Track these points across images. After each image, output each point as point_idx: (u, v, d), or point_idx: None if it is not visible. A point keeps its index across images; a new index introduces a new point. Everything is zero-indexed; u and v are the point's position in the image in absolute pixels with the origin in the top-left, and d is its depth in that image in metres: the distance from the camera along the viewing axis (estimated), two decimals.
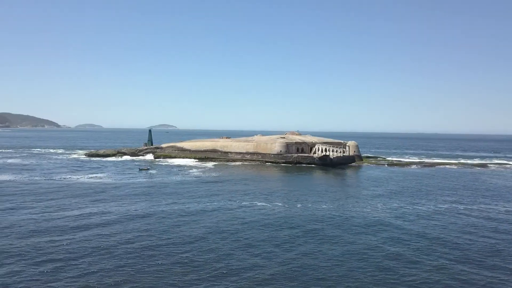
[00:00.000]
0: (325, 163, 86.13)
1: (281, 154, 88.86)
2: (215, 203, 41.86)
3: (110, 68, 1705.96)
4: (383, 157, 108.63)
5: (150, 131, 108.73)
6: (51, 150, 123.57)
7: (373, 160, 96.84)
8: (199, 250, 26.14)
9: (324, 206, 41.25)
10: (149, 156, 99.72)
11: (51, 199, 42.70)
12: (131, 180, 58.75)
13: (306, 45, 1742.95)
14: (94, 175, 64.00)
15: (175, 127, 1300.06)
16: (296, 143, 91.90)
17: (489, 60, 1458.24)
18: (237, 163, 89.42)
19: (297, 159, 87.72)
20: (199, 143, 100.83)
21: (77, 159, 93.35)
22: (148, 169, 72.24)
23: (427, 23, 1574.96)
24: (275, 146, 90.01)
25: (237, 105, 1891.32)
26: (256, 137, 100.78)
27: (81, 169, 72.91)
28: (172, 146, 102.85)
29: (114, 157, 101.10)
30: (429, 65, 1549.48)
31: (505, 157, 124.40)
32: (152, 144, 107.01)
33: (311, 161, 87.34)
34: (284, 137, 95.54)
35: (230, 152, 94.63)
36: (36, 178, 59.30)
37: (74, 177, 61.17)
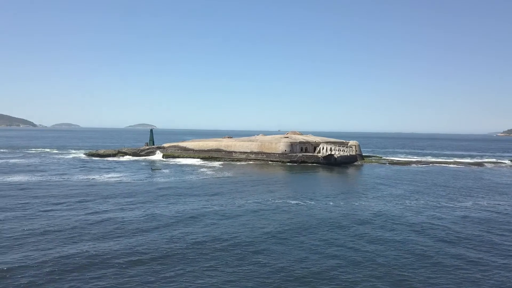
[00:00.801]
0: (330, 162, 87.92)
1: (286, 154, 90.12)
2: (251, 203, 42.62)
3: (87, 67, 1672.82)
4: (379, 156, 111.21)
5: (151, 130, 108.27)
6: (47, 150, 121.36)
7: (373, 159, 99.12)
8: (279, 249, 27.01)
9: (356, 204, 42.67)
10: (155, 157, 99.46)
11: (94, 200, 42.71)
12: (152, 180, 58.86)
13: (298, 45, 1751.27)
14: (111, 175, 63.71)
15: (155, 126, 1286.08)
16: (300, 142, 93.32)
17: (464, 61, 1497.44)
18: (242, 162, 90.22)
19: (302, 158, 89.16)
20: (203, 142, 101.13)
21: (79, 159, 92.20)
22: (160, 169, 72.26)
23: (420, 23, 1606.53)
24: (279, 145, 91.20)
25: (222, 105, 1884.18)
26: (258, 137, 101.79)
27: (92, 169, 72.28)
28: (174, 146, 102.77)
29: (115, 157, 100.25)
30: (406, 65, 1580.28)
31: (494, 156, 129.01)
32: (153, 144, 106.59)
33: (316, 160, 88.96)
34: (287, 137, 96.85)
35: (234, 152, 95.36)
36: (54, 178, 58.66)
37: (92, 177, 60.80)
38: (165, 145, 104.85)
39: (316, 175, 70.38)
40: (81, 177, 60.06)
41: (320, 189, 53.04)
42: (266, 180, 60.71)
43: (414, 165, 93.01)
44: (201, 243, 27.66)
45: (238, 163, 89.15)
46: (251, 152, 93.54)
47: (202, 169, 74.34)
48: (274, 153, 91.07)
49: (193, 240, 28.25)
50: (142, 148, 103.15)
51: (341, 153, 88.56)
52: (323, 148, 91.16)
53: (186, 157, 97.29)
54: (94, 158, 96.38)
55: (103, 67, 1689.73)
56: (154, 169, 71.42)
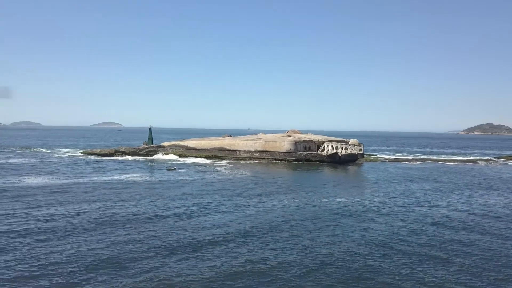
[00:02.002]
0: (334, 160, 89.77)
1: (290, 152, 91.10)
2: (285, 200, 43.27)
3: (48, 62, 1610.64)
4: (375, 154, 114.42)
5: (150, 129, 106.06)
6: (41, 149, 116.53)
7: (372, 157, 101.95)
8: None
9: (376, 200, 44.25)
10: (156, 156, 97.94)
11: (140, 200, 41.97)
12: (177, 179, 58.19)
13: (286, 45, 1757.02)
14: (130, 175, 62.43)
15: (121, 124, 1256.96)
16: (304, 141, 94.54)
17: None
18: (247, 161, 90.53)
19: (306, 157, 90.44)
20: (205, 141, 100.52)
21: (78, 159, 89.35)
22: (175, 168, 71.42)
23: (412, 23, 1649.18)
24: (284, 144, 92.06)
25: (193, 104, 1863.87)
26: (260, 135, 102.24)
27: (106, 169, 70.47)
28: (175, 145, 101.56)
29: (113, 156, 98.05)
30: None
31: (475, 154, 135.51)
32: (152, 143, 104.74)
33: (320, 158, 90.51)
34: (290, 135, 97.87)
35: (238, 151, 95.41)
36: (76, 180, 56.93)
37: (113, 178, 59.44)
38: (165, 144, 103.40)
39: (327, 172, 71.84)
40: (103, 178, 58.50)
41: (343, 184, 54.39)
42: (283, 177, 61.54)
43: (412, 162, 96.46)
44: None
45: (244, 162, 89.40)
46: (255, 151, 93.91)
47: (214, 168, 74.12)
48: (278, 152, 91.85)
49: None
50: (141, 147, 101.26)
51: (347, 151, 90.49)
52: (327, 147, 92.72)
53: (189, 156, 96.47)
54: (92, 157, 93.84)
55: (64, 63, 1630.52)
56: (169, 169, 70.45)
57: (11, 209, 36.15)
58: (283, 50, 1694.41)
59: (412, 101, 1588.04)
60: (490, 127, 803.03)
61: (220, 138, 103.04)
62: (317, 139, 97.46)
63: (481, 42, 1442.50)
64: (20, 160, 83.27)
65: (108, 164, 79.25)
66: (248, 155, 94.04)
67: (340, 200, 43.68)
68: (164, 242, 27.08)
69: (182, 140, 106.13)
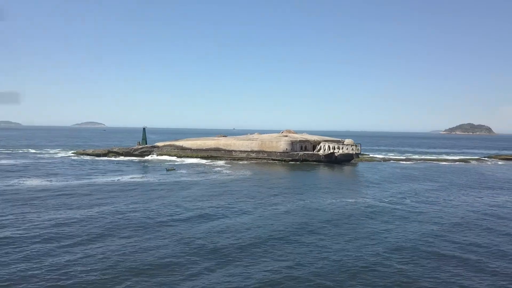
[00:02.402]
0: (330, 160, 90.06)
1: (287, 152, 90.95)
2: (296, 201, 43.03)
3: (27, 61, 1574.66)
4: (368, 154, 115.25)
5: (144, 129, 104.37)
6: (30, 150, 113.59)
7: (367, 157, 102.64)
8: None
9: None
10: (150, 157, 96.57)
11: (150, 202, 41.07)
12: (180, 180, 57.29)
13: (272, 45, 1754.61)
14: (129, 176, 61.24)
15: (104, 124, 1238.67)
16: (300, 141, 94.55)
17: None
18: (244, 161, 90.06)
19: (303, 157, 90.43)
20: (200, 141, 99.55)
21: (72, 159, 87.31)
22: (174, 169, 70.40)
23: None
24: (280, 144, 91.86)
25: (180, 103, 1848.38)
26: (255, 135, 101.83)
27: (105, 171, 69.02)
28: (170, 145, 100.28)
29: (106, 156, 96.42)
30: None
31: (463, 153, 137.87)
32: (146, 143, 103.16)
33: (317, 158, 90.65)
34: (286, 135, 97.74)
35: (234, 151, 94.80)
36: (78, 182, 55.50)
37: (114, 179, 58.22)
38: (159, 144, 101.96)
39: (334, 173, 71.95)
40: (104, 180, 57.14)
41: (349, 185, 54.48)
42: (287, 178, 61.35)
43: (406, 162, 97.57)
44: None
45: (241, 162, 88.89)
46: (252, 151, 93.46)
47: (216, 168, 73.48)
48: (275, 152, 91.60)
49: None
50: (135, 147, 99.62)
51: (343, 151, 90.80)
52: (324, 147, 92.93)
53: (184, 157, 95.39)
54: (85, 158, 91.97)
55: (44, 61, 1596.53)
56: (169, 170, 69.41)
57: (20, 214, 34.82)
58: (271, 50, 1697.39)
59: (394, 101, 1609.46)
60: (471, 127, 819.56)
61: (216, 138, 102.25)
62: (313, 139, 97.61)
63: (461, 44, 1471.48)
64: (11, 161, 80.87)
65: (104, 164, 77.67)
66: (244, 155, 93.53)
67: (350, 201, 43.60)
68: (190, 248, 26.41)
69: (176, 140, 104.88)
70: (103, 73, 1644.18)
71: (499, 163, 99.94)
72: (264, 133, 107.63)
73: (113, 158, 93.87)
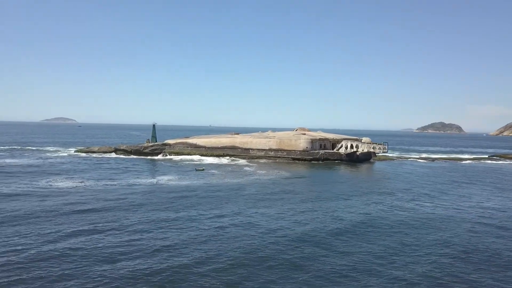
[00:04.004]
0: (352, 159, 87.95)
1: (307, 151, 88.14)
2: (351, 206, 40.34)
3: None
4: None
5: (154, 126, 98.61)
6: (31, 148, 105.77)
7: (381, 156, 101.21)
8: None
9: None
10: (163, 155, 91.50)
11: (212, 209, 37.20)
12: (219, 182, 53.39)
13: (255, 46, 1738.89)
14: (162, 177, 56.74)
15: (75, 120, 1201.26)
16: (319, 139, 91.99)
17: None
18: (262, 160, 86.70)
19: (324, 156, 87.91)
20: (214, 139, 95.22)
21: (80, 157, 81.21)
22: (203, 169, 66.23)
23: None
24: (300, 142, 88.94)
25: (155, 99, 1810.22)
26: (269, 133, 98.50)
27: (125, 170, 64.08)
28: (182, 143, 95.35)
29: (114, 154, 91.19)
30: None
31: (460, 152, 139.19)
32: (156, 141, 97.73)
33: (338, 157, 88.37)
34: (305, 133, 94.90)
35: (251, 149, 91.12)
36: (105, 183, 50.68)
37: (146, 180, 53.74)
38: (170, 141, 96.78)
39: (363, 173, 69.75)
40: (143, 181, 52.62)
41: (387, 185, 52.26)
42: (322, 178, 58.65)
43: (421, 161, 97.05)
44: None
45: (262, 161, 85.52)
46: (270, 149, 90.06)
47: (244, 168, 69.78)
48: (294, 150, 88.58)
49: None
50: (145, 145, 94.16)
51: (363, 149, 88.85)
52: (345, 145, 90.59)
53: (197, 155, 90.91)
54: (93, 156, 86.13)
55: (12, 53, 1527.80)
56: (198, 170, 65.19)
57: (91, 221, 30.33)
58: (259, 51, 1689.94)
59: (367, 100, 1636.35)
60: (442, 125, 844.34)
61: (229, 135, 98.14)
62: (331, 137, 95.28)
63: (434, 44, 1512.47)
64: (16, 160, 74.20)
65: (120, 163, 72.44)
66: (262, 153, 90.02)
67: (399, 204, 41.14)
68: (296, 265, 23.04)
69: (188, 137, 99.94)
70: (74, 67, 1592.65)
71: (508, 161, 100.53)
72: (250, 131, 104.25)
73: (122, 156, 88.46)
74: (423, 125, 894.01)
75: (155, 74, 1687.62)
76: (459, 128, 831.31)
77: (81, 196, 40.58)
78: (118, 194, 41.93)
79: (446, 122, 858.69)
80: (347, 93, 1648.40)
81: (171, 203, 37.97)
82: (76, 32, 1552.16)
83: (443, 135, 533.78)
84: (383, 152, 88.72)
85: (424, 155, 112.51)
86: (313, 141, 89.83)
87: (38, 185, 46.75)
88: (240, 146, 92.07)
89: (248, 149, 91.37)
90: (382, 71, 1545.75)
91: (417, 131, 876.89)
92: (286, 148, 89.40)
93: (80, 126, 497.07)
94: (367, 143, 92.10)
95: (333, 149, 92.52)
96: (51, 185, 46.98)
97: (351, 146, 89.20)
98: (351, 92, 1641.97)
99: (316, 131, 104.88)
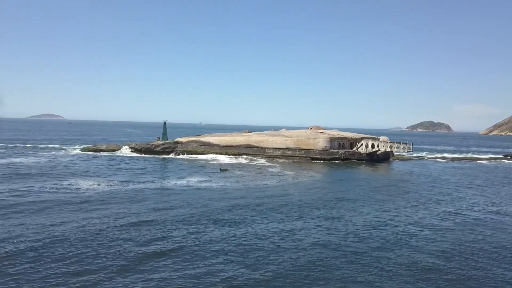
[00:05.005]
0: (372, 158, 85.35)
1: (326, 150, 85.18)
2: (395, 210, 37.50)
3: None
4: None
5: (165, 123, 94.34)
6: (37, 146, 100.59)
7: (399, 156, 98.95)
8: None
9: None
10: (175, 154, 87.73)
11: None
12: (251, 182, 50.01)
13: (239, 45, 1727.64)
14: (193, 178, 52.92)
15: (62, 117, 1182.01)
16: (338, 138, 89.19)
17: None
18: (280, 159, 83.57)
19: (344, 155, 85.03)
20: (229, 137, 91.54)
21: (91, 155, 76.85)
22: (228, 170, 62.76)
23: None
24: (319, 141, 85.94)
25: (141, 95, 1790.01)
26: (283, 131, 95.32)
27: (145, 171, 60.32)
28: (195, 141, 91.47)
29: (123, 152, 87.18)
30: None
31: (460, 151, 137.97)
32: (167, 139, 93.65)
33: (359, 157, 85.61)
34: (322, 132, 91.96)
35: (268, 148, 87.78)
36: (124, 186, 46.98)
37: (178, 182, 50.11)
38: (182, 139, 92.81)
39: (391, 173, 67.12)
40: (173, 183, 48.96)
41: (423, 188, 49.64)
42: (357, 180, 55.78)
43: (440, 160, 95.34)
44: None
45: (281, 160, 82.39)
46: (287, 148, 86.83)
47: (270, 169, 66.32)
48: (313, 150, 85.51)
49: None
50: (155, 143, 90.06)
51: (383, 149, 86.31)
52: (366, 144, 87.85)
53: (211, 153, 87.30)
54: (103, 154, 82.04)
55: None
56: (223, 170, 61.69)
57: (146, 230, 26.73)
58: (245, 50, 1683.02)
59: (356, 99, 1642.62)
60: (431, 124, 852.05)
61: (243, 134, 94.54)
62: (350, 136, 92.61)
63: (424, 43, 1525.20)
64: (25, 159, 69.46)
65: (134, 162, 68.50)
66: (279, 152, 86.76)
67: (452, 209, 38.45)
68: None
69: (200, 136, 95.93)
70: (61, 62, 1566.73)
71: None
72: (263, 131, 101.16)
73: (134, 155, 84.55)
74: (412, 124, 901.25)
75: (144, 71, 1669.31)
76: (447, 127, 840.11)
77: (127, 204, 36.69)
78: (162, 201, 38.04)
79: (435, 121, 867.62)
80: (337, 92, 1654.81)
81: (231, 211, 34.49)
82: (60, 28, 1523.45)
83: (432, 134, 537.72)
84: (407, 152, 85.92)
85: (437, 154, 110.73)
86: (331, 140, 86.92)
87: (70, 189, 42.45)
88: (256, 145, 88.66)
89: (264, 148, 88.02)
90: (372, 70, 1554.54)
91: (406, 129, 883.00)
92: (304, 147, 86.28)
93: (70, 123, 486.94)
94: (386, 142, 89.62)
95: (351, 148, 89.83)
96: (79, 188, 42.95)
97: (372, 146, 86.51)
98: (342, 91, 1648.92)
99: (332, 129, 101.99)
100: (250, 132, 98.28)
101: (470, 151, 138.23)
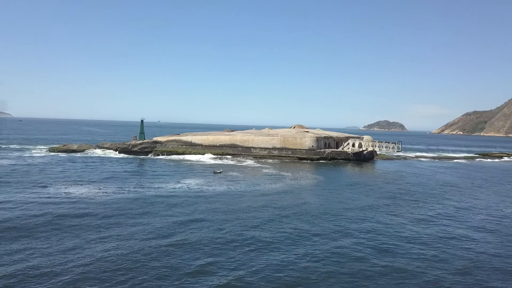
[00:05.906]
0: (359, 158, 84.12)
1: (313, 150, 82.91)
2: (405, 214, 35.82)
3: None
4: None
5: (142, 122, 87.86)
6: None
7: (382, 155, 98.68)
8: None
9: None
10: (154, 154, 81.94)
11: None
12: (253, 187, 46.40)
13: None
14: (184, 181, 48.53)
15: (10, 115, 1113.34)
16: (324, 137, 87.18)
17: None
18: (268, 160, 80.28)
19: (331, 155, 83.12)
20: (212, 137, 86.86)
21: (60, 156, 69.84)
22: (221, 171, 58.56)
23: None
24: (305, 141, 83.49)
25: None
26: (266, 130, 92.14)
27: (131, 172, 54.94)
28: (175, 141, 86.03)
29: (96, 151, 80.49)
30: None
31: (439, 150, 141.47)
32: (144, 138, 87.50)
33: (346, 156, 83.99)
34: (308, 131, 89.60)
35: (253, 148, 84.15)
36: (138, 190, 41.93)
37: (170, 186, 45.44)
38: (161, 139, 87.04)
39: (381, 173, 65.69)
40: (165, 186, 44.25)
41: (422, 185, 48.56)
42: (353, 181, 53.75)
43: (422, 159, 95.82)
44: None
45: (269, 160, 79.03)
46: (274, 148, 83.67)
47: (264, 170, 62.78)
48: (300, 149, 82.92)
49: None
50: (133, 143, 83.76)
51: (369, 148, 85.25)
52: (352, 144, 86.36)
53: (195, 153, 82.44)
54: (75, 155, 74.87)
55: None
56: (216, 172, 57.40)
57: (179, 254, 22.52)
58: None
59: (312, 99, 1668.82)
60: (387, 124, 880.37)
61: (226, 133, 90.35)
62: (335, 136, 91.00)
63: (379, 44, 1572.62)
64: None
65: (115, 164, 62.63)
66: (265, 152, 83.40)
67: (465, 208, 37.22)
68: None
69: (180, 135, 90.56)
70: (8, 56, 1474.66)
71: (496, 160, 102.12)
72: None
73: (112, 156, 78.08)
74: (369, 123, 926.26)
75: (105, 66, 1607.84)
76: (402, 126, 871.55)
77: (139, 216, 31.89)
78: (186, 212, 33.65)
79: (391, 120, 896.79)
80: (300, 91, 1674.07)
81: (243, 216, 30.68)
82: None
83: (388, 133, 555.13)
84: (396, 151, 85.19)
85: (417, 153, 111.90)
86: (318, 140, 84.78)
87: (61, 199, 36.61)
88: (241, 144, 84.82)
89: (250, 147, 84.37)
90: (330, 70, 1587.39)
91: (363, 128, 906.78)
92: (290, 146, 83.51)
93: (21, 121, 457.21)
94: (368, 141, 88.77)
95: (337, 148, 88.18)
96: (70, 197, 37.30)
97: (359, 145, 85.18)
98: (304, 90, 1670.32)
99: (315, 128, 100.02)
100: (233, 131, 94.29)
101: (439, 150, 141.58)
